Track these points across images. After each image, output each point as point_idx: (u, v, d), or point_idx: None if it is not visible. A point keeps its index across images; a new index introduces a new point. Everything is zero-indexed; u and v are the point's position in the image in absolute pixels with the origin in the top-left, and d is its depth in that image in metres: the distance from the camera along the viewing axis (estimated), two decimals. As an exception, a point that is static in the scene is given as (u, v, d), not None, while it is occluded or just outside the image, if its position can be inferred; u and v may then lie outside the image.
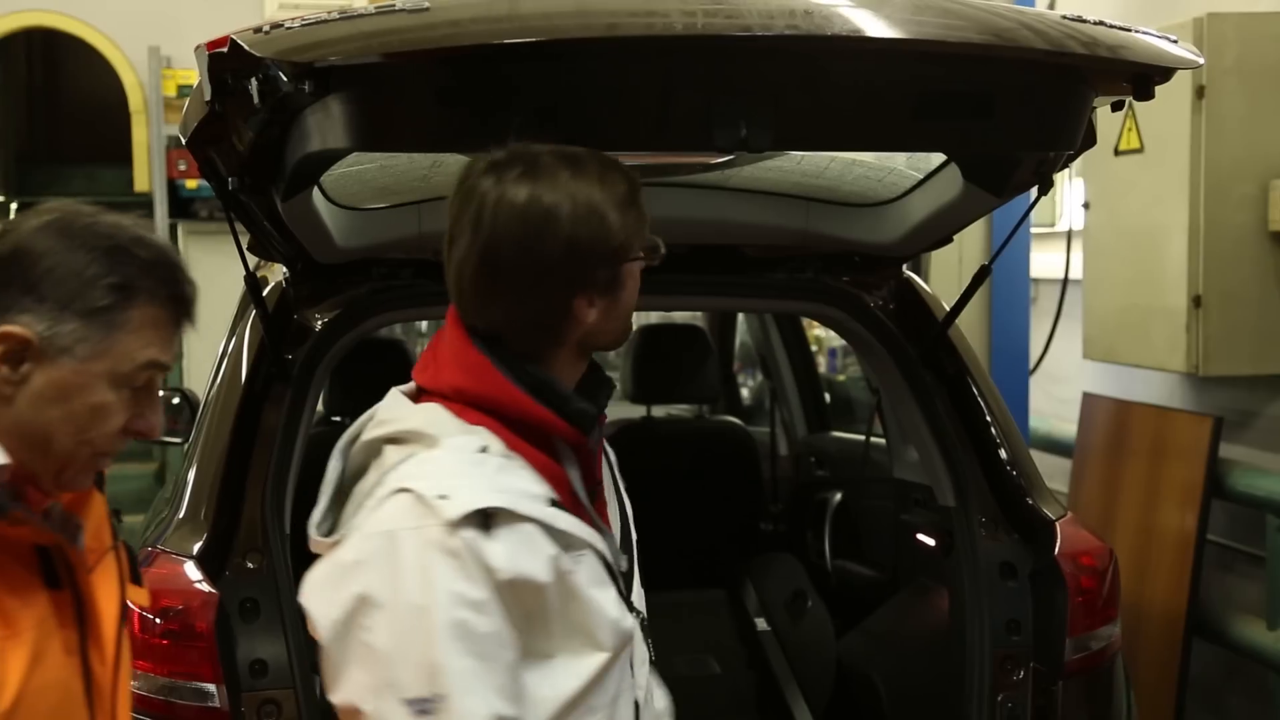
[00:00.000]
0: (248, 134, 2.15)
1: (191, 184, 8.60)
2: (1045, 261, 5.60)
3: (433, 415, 1.82)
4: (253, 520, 2.75)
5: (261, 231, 2.79)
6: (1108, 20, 2.14)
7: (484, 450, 1.79)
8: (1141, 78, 2.22)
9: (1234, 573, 4.77)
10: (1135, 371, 5.07)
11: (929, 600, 3.34)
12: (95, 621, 1.74)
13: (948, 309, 3.17)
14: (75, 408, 1.63)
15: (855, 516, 4.08)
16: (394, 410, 1.87)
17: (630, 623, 1.89)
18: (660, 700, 2.03)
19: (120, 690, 1.80)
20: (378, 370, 2.52)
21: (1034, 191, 2.69)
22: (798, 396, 4.98)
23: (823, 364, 6.85)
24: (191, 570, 2.64)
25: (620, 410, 3.59)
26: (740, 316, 5.56)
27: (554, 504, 1.80)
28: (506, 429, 1.81)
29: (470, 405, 1.82)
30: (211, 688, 2.55)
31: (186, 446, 3.17)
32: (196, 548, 2.68)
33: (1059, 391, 5.77)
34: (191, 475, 2.85)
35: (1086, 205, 5.06)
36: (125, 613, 1.82)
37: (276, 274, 3.13)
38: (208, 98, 2.04)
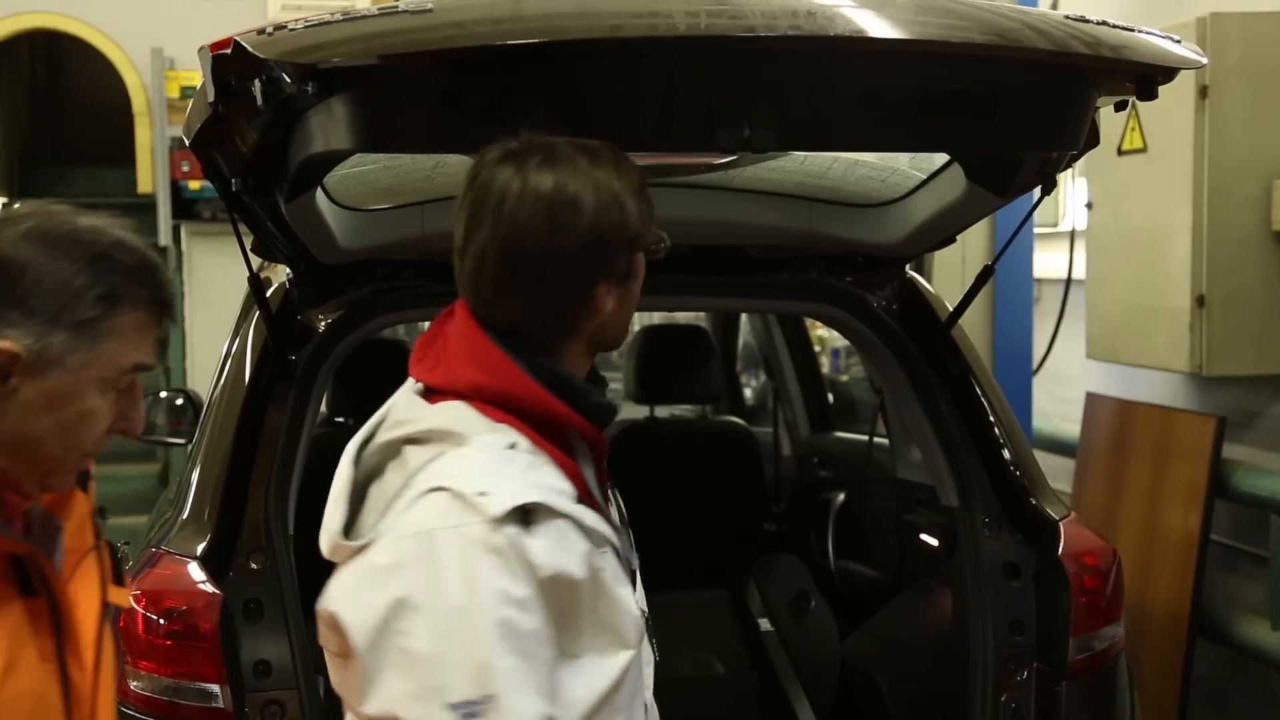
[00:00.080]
0: (251, 135, 2.15)
1: (194, 185, 8.62)
2: (1048, 261, 5.60)
3: (457, 413, 1.79)
4: (256, 521, 2.75)
5: (265, 232, 2.79)
6: (1111, 20, 2.14)
7: (513, 447, 1.76)
8: (1145, 78, 2.22)
9: (1237, 573, 4.77)
10: (1138, 371, 5.07)
11: (932, 600, 3.34)
12: (72, 627, 1.72)
13: (951, 309, 3.17)
14: (65, 415, 1.63)
15: (858, 517, 4.08)
16: (411, 410, 1.83)
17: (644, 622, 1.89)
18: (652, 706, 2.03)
19: (101, 695, 1.78)
20: (381, 371, 2.52)
21: (1037, 192, 2.69)
22: (801, 397, 4.98)
23: (826, 364, 6.84)
24: (195, 571, 2.64)
25: (623, 410, 3.58)
26: (743, 317, 5.56)
27: (579, 500, 1.79)
28: (527, 426, 1.79)
29: (490, 403, 1.79)
30: (215, 688, 2.55)
31: (190, 447, 3.17)
32: (200, 548, 2.68)
33: (1062, 391, 5.77)
34: (195, 476, 2.86)
35: (1089, 205, 5.06)
36: (106, 615, 1.80)
37: (280, 275, 3.13)
38: (211, 99, 2.03)
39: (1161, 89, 2.24)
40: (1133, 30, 2.16)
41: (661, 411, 4.61)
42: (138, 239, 1.69)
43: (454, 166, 2.62)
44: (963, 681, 2.92)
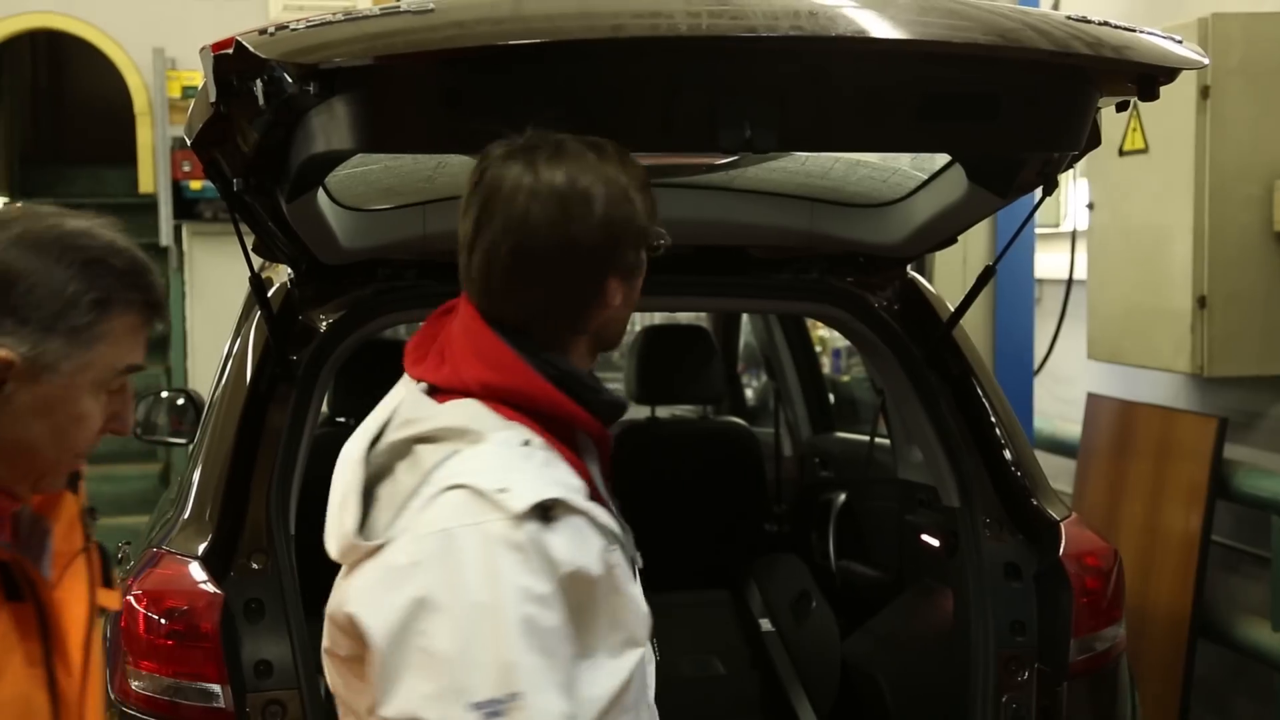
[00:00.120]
0: (253, 135, 2.15)
1: (196, 185, 8.62)
2: (1050, 262, 5.60)
3: (470, 411, 1.77)
4: (257, 521, 2.75)
5: (266, 232, 2.80)
6: (1112, 21, 2.14)
7: (527, 444, 1.76)
8: (1146, 78, 2.22)
9: (1239, 574, 4.76)
10: (1140, 372, 5.07)
11: (933, 601, 3.34)
12: (60, 632, 1.71)
13: (952, 310, 3.17)
14: (59, 419, 1.63)
15: (859, 517, 4.08)
16: (420, 409, 1.81)
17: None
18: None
19: (89, 698, 1.77)
20: (382, 371, 2.51)
21: (1038, 192, 2.69)
22: (802, 397, 4.98)
23: (827, 365, 6.84)
24: (196, 571, 2.64)
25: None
26: (744, 317, 5.56)
27: (590, 497, 1.78)
28: (536, 423, 1.79)
29: (500, 400, 1.78)
30: (216, 688, 2.55)
31: (191, 447, 3.17)
32: (201, 548, 2.69)
33: (1063, 392, 5.77)
34: (196, 476, 2.86)
35: (1091, 206, 5.06)
36: (94, 618, 1.79)
37: (281, 275, 3.13)
38: (213, 99, 2.03)
39: (1163, 89, 2.24)
40: (1134, 31, 2.16)
41: (663, 412, 4.61)
42: (127, 240, 1.68)
43: (456, 167, 2.62)
44: (964, 682, 2.92)
